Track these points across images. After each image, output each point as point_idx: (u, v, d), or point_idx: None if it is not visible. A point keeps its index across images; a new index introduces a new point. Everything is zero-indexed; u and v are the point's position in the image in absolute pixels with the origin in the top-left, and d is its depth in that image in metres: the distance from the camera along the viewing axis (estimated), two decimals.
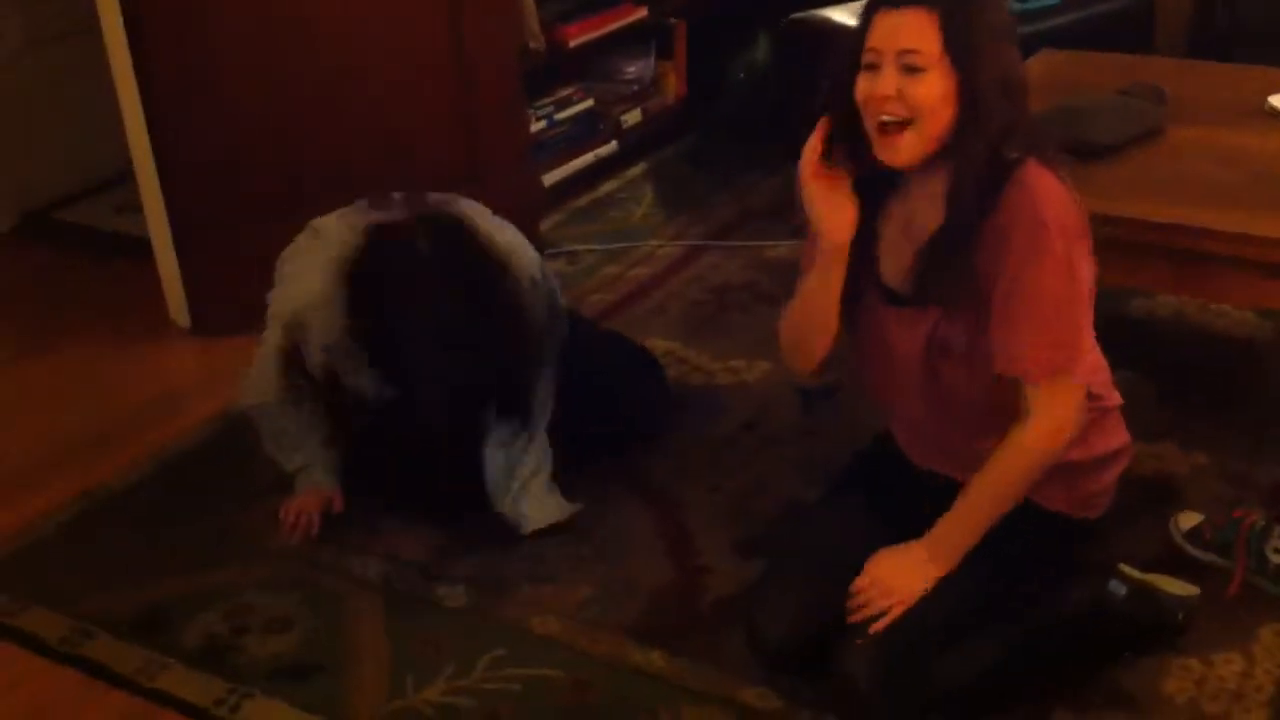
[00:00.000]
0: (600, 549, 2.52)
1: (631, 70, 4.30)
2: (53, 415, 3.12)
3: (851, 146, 1.91)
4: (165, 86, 3.18)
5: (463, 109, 3.45)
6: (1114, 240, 2.44)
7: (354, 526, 2.62)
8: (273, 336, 2.56)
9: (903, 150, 1.87)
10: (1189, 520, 2.32)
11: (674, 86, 4.42)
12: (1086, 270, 1.91)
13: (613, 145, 4.17)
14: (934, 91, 1.83)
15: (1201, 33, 4.32)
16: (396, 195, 2.55)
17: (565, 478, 2.60)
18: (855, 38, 1.89)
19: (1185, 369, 2.84)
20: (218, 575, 2.52)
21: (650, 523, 2.58)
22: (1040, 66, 3.12)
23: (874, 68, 1.85)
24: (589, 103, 4.12)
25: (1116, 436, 2.10)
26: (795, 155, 3.92)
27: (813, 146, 1.93)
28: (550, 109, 4.00)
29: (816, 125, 1.95)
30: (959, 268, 1.89)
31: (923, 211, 1.94)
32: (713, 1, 4.42)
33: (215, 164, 3.23)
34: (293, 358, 2.55)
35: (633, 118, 4.26)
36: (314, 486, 2.62)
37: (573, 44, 3.98)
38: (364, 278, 2.40)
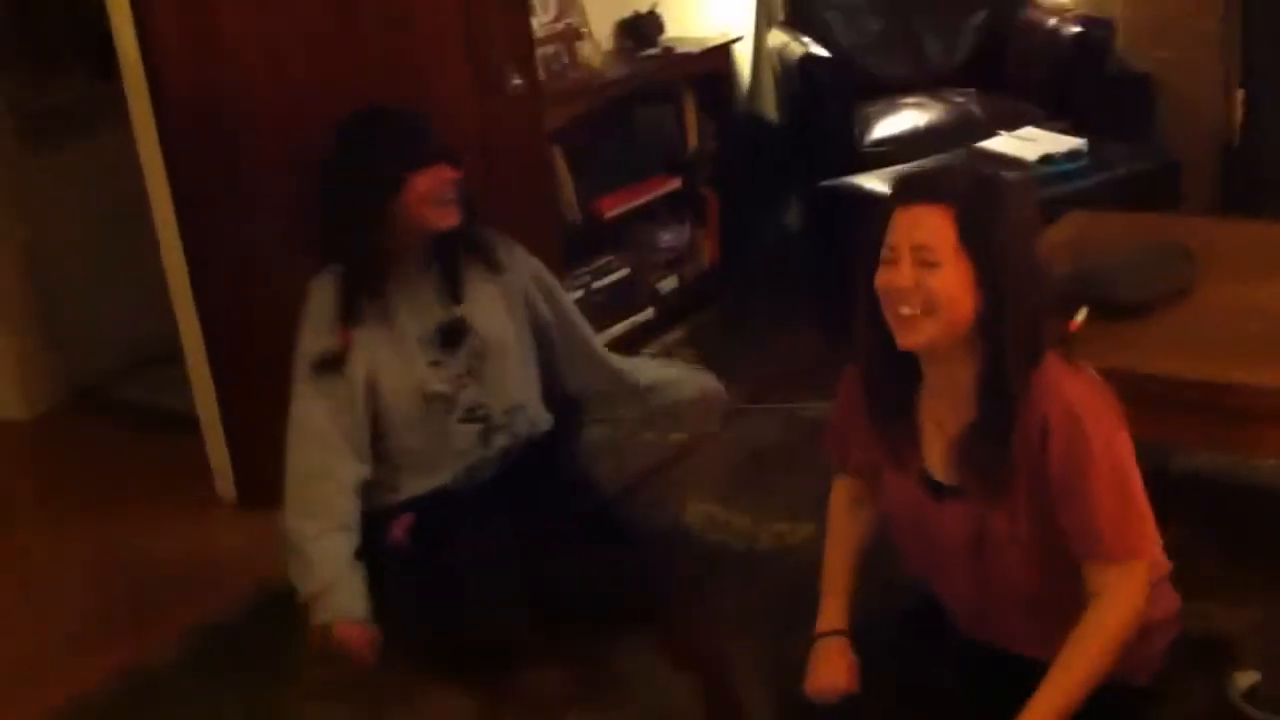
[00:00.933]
0: (648, 714, 2.50)
1: (666, 238, 4.39)
2: (95, 588, 3.15)
3: (876, 335, 1.94)
4: (213, 266, 3.28)
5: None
6: (1148, 397, 2.47)
7: (393, 697, 2.62)
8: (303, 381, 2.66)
9: (921, 334, 1.88)
10: (1247, 679, 2.28)
11: (709, 253, 4.51)
12: (1129, 450, 1.92)
13: (650, 312, 4.25)
14: (949, 285, 1.84)
15: (1227, 192, 4.40)
16: None
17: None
18: (875, 232, 1.92)
19: (1230, 524, 2.83)
20: None
21: (693, 692, 2.56)
22: (1068, 227, 3.18)
23: (892, 262, 1.88)
24: (625, 271, 4.21)
25: (1169, 602, 2.08)
26: (826, 319, 4.00)
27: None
28: (587, 278, 4.08)
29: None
30: (997, 462, 1.90)
31: (952, 404, 1.95)
32: (745, 171, 4.53)
33: (261, 342, 3.30)
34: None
35: (669, 284, 4.34)
36: (345, 618, 2.54)
37: (609, 215, 4.08)
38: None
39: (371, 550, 2.63)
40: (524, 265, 2.85)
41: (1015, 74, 4.58)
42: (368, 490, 2.67)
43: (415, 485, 2.72)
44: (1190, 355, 2.51)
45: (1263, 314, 2.64)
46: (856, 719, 2.11)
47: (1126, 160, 3.94)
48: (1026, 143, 3.97)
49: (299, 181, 2.75)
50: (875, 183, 3.89)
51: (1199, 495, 2.97)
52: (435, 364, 2.69)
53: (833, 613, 2.14)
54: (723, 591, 2.85)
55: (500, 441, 2.75)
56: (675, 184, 4.31)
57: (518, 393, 2.78)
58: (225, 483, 3.49)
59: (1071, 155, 3.85)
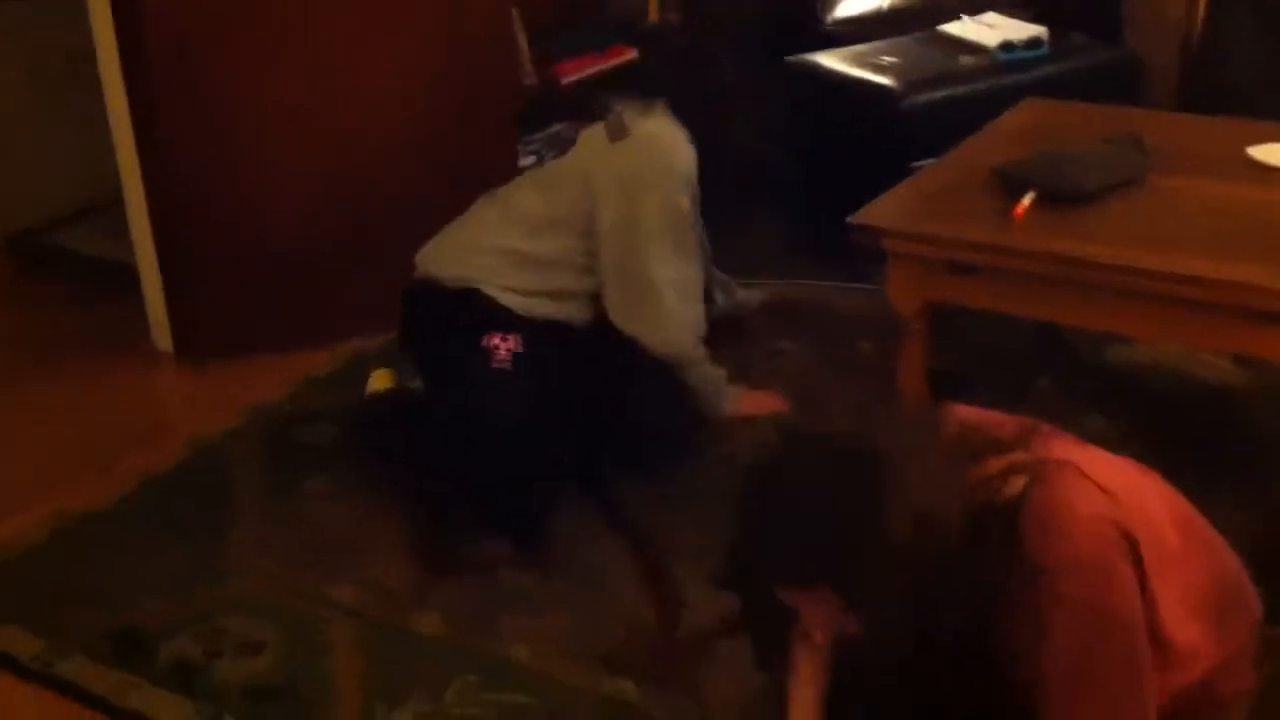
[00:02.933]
0: (578, 580, 2.52)
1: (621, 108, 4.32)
2: (35, 439, 3.12)
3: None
4: (158, 117, 3.21)
5: (459, 139, 3.47)
6: (1098, 285, 2.48)
7: (332, 551, 2.63)
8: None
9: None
10: None
11: None
12: (1128, 651, 1.53)
13: None
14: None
15: (1190, 87, 4.38)
16: None
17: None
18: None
19: (1161, 415, 2.86)
20: (193, 599, 2.51)
21: (628, 556, 2.58)
22: (1024, 115, 3.16)
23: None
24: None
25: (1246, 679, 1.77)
26: (788, 198, 3.96)
27: None
28: (540, 145, 4.01)
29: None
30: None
31: None
32: (703, 44, 4.45)
33: (204, 194, 3.26)
34: None
35: None
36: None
37: (565, 81, 4.01)
38: None
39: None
40: None
41: None
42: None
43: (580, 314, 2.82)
44: (1136, 244, 2.50)
45: (1212, 207, 2.64)
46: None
47: (1088, 52, 3.90)
48: (986, 28, 3.92)
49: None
50: (837, 61, 3.84)
51: (1135, 386, 3.01)
52: None
53: None
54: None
55: None
56: (633, 55, 4.23)
57: None
58: (162, 334, 3.44)
59: (1031, 43, 3.80)
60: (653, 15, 4.39)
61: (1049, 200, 2.63)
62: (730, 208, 4.12)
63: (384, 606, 2.48)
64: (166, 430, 3.11)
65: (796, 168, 3.86)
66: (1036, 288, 2.54)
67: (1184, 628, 1.61)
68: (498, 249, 2.77)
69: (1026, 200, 2.62)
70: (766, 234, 3.95)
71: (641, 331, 2.77)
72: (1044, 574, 1.50)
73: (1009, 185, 2.68)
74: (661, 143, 2.82)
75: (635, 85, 2.95)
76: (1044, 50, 3.82)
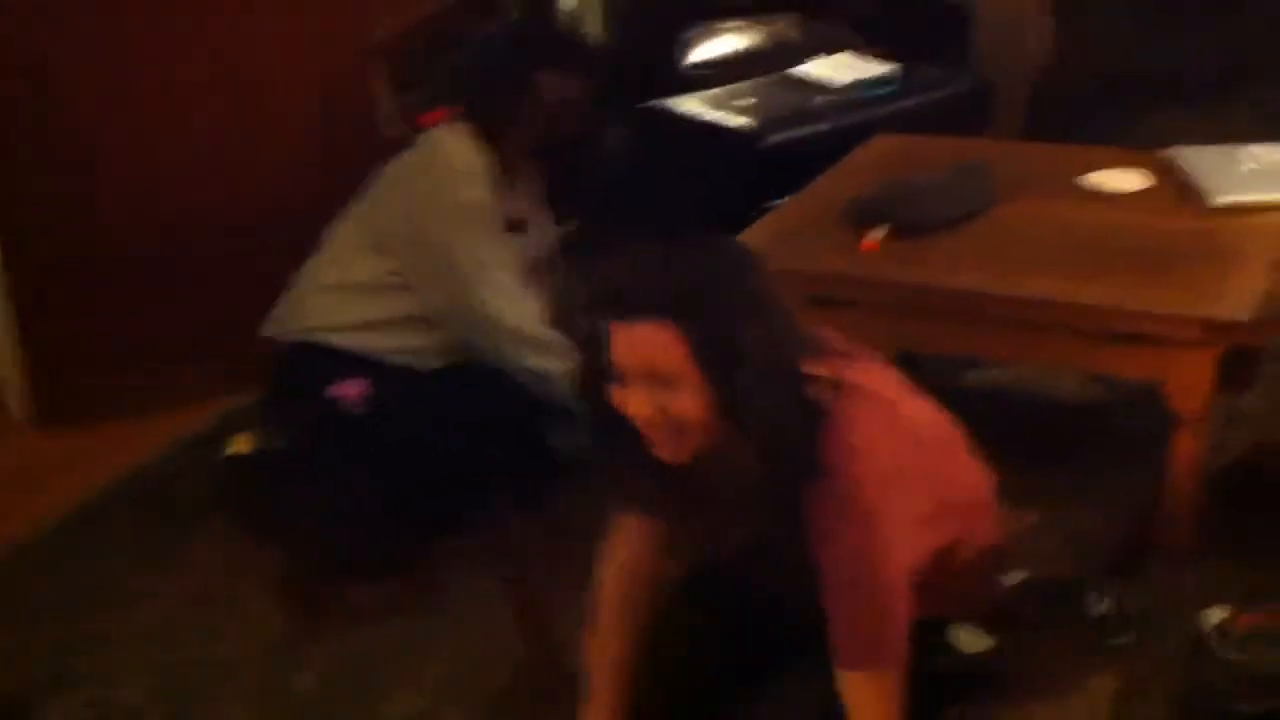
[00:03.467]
0: (460, 625, 2.54)
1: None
2: None
3: (625, 437, 1.69)
4: (14, 170, 3.17)
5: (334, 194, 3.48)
6: (949, 311, 2.57)
7: (213, 609, 2.62)
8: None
9: (680, 453, 1.67)
10: (1015, 577, 2.39)
11: None
12: (882, 532, 1.69)
13: None
14: (693, 408, 1.62)
15: (1035, 116, 4.55)
16: None
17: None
18: (596, 341, 1.65)
19: (1018, 432, 2.95)
20: (73, 665, 2.48)
21: (511, 599, 2.59)
22: (874, 151, 3.26)
23: (624, 383, 1.64)
24: None
25: (989, 536, 2.04)
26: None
27: None
28: None
29: None
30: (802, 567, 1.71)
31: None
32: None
33: (64, 254, 3.22)
34: None
35: None
36: None
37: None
38: None
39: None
40: None
41: (838, 2, 4.64)
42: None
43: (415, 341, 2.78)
44: (986, 270, 2.60)
45: (1054, 232, 2.75)
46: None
47: (938, 85, 4.03)
48: (839, 67, 4.03)
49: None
50: (694, 105, 3.92)
51: (993, 407, 3.10)
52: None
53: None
54: (546, 498, 2.87)
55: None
56: None
57: None
58: (18, 399, 3.38)
59: (882, 80, 3.92)
60: None
61: (900, 231, 2.72)
62: (594, 253, 4.19)
63: (264, 663, 2.47)
64: (31, 498, 3.05)
65: (658, 209, 3.93)
66: (891, 317, 2.63)
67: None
68: (320, 287, 2.80)
69: (879, 232, 2.70)
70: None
71: (478, 327, 2.74)
72: (828, 477, 1.65)
73: (861, 218, 2.76)
74: (444, 148, 2.82)
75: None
76: (895, 86, 3.93)
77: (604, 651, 1.95)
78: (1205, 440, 2.53)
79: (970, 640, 2.11)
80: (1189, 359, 2.42)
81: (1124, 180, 2.92)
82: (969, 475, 2.00)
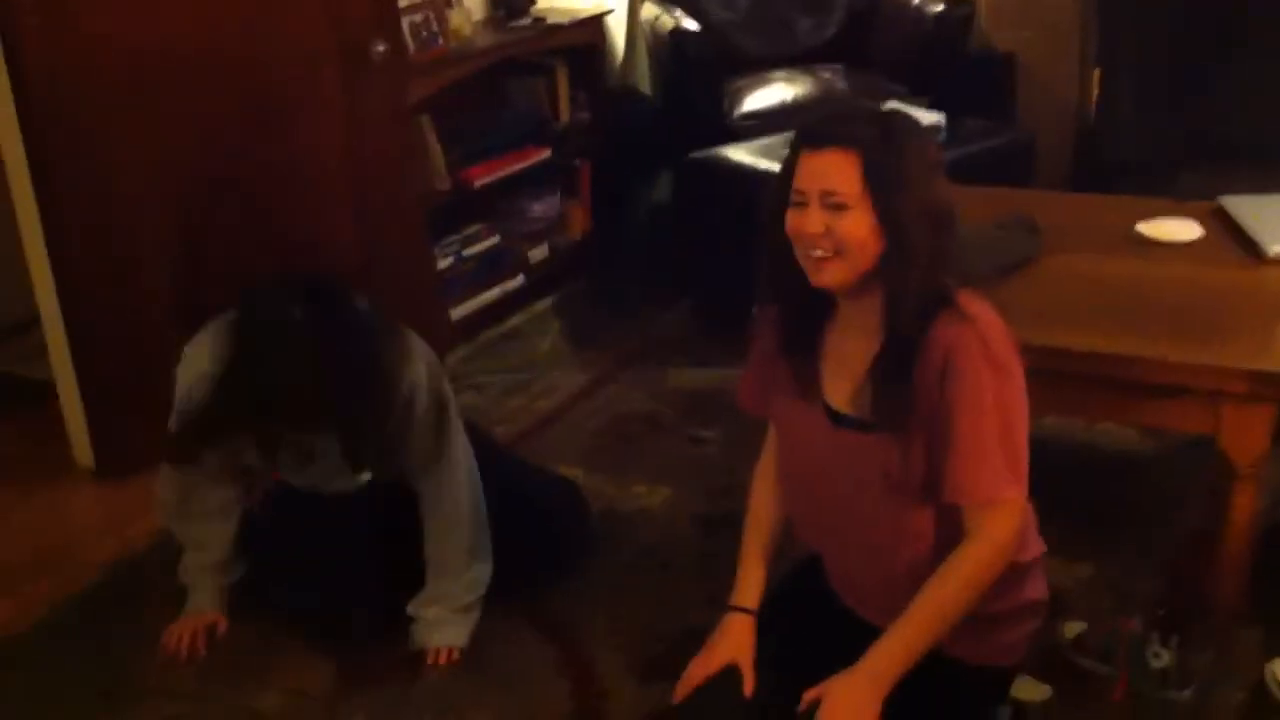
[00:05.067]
0: (500, 680, 2.53)
1: (537, 209, 4.41)
2: None
3: (788, 274, 1.95)
4: (71, 234, 3.22)
5: (370, 245, 3.52)
6: None
7: (250, 655, 2.63)
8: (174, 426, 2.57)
9: (832, 274, 1.90)
10: (1073, 629, 2.39)
11: (579, 223, 4.54)
12: (1020, 396, 1.92)
13: (520, 280, 4.26)
14: (858, 229, 1.86)
15: (1082, 167, 4.54)
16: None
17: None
18: (784, 175, 1.93)
19: (1069, 485, 2.93)
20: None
21: (549, 652, 2.60)
22: None
23: (801, 205, 1.89)
24: (495, 239, 4.22)
25: (1040, 587, 2.10)
26: (693, 291, 4.04)
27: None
28: (457, 246, 4.09)
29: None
30: (898, 395, 1.90)
31: (856, 338, 1.96)
32: (614, 142, 4.56)
33: (120, 305, 3.27)
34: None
35: (539, 254, 4.37)
36: (197, 611, 2.68)
37: (479, 184, 4.08)
38: (238, 339, 2.43)
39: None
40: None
41: (881, 51, 4.67)
42: None
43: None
44: (1032, 323, 2.57)
45: (1102, 284, 2.73)
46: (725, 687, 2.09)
47: (983, 136, 4.03)
48: None
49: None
50: (743, 154, 3.94)
51: (1041, 459, 3.07)
52: None
53: (746, 589, 2.12)
54: (583, 554, 2.88)
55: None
56: (546, 154, 4.32)
57: None
58: (83, 450, 3.43)
59: (929, 131, 3.92)
60: (563, 115, 4.49)
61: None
62: (642, 300, 4.22)
63: (304, 715, 2.47)
64: (86, 547, 3.09)
65: (705, 259, 3.95)
66: None
67: None
68: None
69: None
70: (677, 325, 4.03)
71: None
72: (970, 318, 1.88)
73: None
74: None
75: None
76: (941, 137, 3.94)
77: (753, 532, 2.16)
78: (1261, 492, 2.50)
79: (1029, 689, 2.10)
80: (1244, 413, 2.39)
81: (1176, 230, 2.90)
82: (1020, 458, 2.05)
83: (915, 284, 1.88)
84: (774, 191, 1.95)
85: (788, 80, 4.43)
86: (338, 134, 3.41)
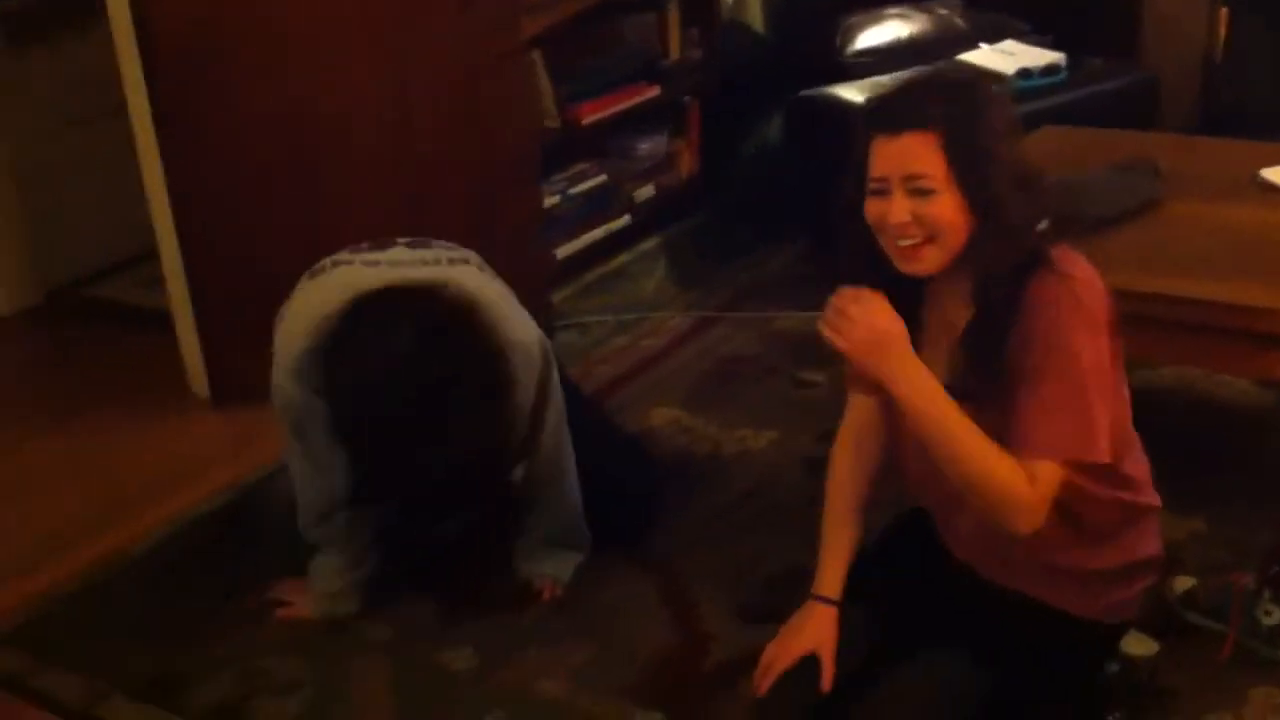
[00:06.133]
0: (603, 614, 2.56)
1: (645, 147, 4.39)
2: (75, 485, 3.19)
3: (873, 259, 1.88)
4: (188, 166, 3.29)
5: (477, 183, 3.54)
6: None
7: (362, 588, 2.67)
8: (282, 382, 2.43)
9: (927, 262, 1.84)
10: (1183, 584, 2.35)
11: (687, 163, 4.51)
12: (1106, 357, 1.85)
13: (625, 219, 4.26)
14: (949, 211, 1.80)
15: (1208, 107, 4.40)
16: (401, 241, 2.51)
17: None
18: (859, 162, 1.85)
19: (1185, 437, 2.87)
20: (230, 639, 2.57)
21: (652, 588, 2.62)
22: (1039, 143, 3.18)
23: (883, 193, 1.82)
24: (602, 178, 4.20)
25: (1153, 543, 2.07)
26: (804, 231, 4.01)
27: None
28: (564, 184, 4.09)
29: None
30: (994, 362, 1.84)
31: (953, 309, 1.91)
32: (724, 80, 4.52)
33: (236, 238, 3.33)
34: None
35: (646, 193, 4.35)
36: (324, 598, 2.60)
37: (587, 121, 4.07)
38: (335, 348, 2.26)
39: None
40: None
41: None
42: None
43: None
44: (1152, 270, 2.54)
45: (1225, 230, 2.67)
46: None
47: (1106, 76, 3.94)
48: (1005, 56, 3.96)
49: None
50: (856, 93, 3.88)
51: (1157, 409, 3.01)
52: None
53: (829, 578, 2.07)
54: (686, 493, 2.89)
55: None
56: (655, 92, 4.30)
57: None
58: (199, 381, 3.52)
59: (1049, 70, 3.84)
60: (674, 52, 4.46)
61: (1064, 228, 2.66)
62: (750, 241, 4.20)
63: (413, 644, 2.53)
64: (203, 474, 3.17)
65: (814, 200, 3.90)
66: None
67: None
68: None
69: (1041, 228, 2.64)
70: (787, 266, 4.00)
71: None
72: (1065, 278, 1.83)
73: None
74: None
75: None
76: (1062, 76, 3.86)
77: (835, 502, 2.13)
78: None
79: (1137, 645, 2.08)
80: None
81: None
82: (1137, 444, 2.04)
83: (1010, 255, 1.83)
84: (848, 180, 1.87)
85: (903, 17, 4.34)
86: (453, 74, 3.42)
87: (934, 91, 1.85)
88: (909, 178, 1.80)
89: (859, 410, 2.13)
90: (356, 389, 2.21)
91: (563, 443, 2.57)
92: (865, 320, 1.80)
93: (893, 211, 1.81)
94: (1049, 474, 1.82)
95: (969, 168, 1.79)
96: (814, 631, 2.03)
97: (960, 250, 1.83)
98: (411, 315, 2.23)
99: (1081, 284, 1.84)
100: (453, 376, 2.20)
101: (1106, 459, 1.85)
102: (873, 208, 1.84)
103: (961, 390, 1.87)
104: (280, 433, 2.52)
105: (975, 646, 1.97)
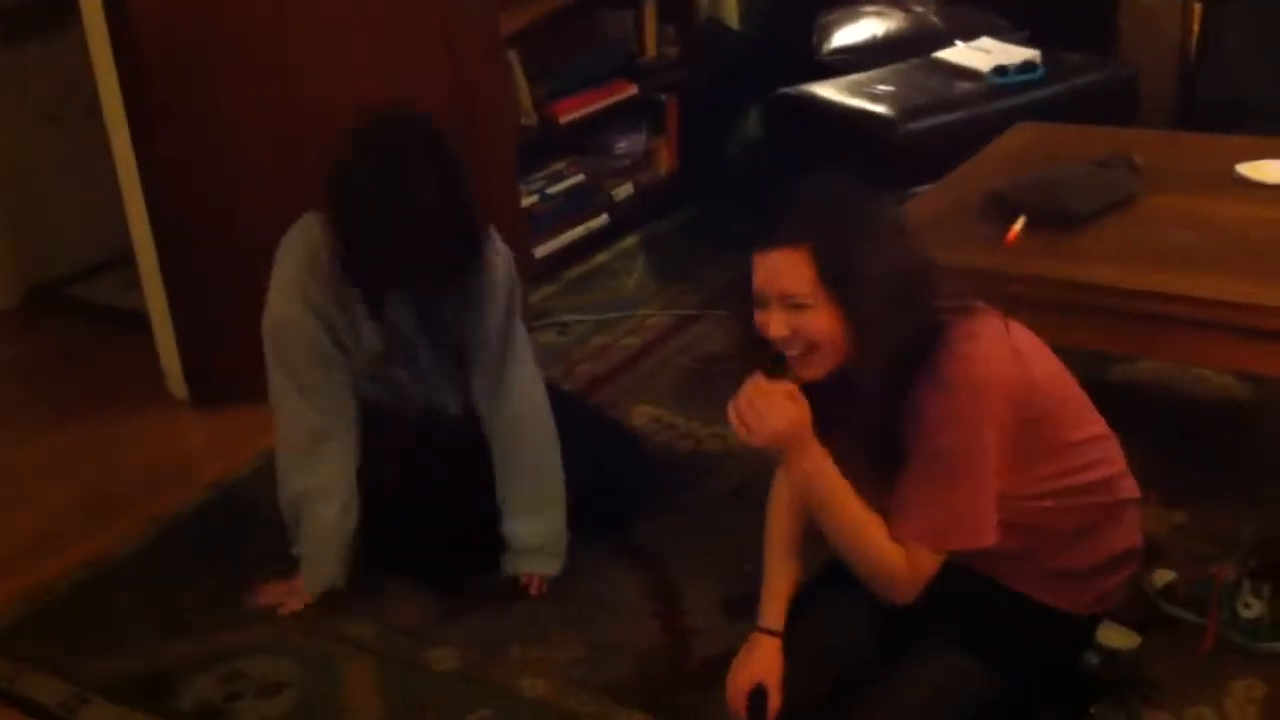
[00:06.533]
0: (589, 611, 2.56)
1: (623, 145, 4.39)
2: (56, 487, 3.18)
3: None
4: (164, 167, 3.27)
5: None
6: (1091, 306, 2.52)
7: (348, 589, 2.67)
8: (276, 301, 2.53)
9: (813, 369, 1.85)
10: (1163, 577, 2.36)
11: (666, 160, 4.51)
12: (993, 441, 1.85)
13: (604, 218, 4.25)
14: (823, 325, 1.81)
15: (1185, 104, 4.42)
16: None
17: None
18: (743, 276, 1.88)
19: (1165, 431, 2.89)
20: (214, 640, 2.56)
21: (638, 584, 2.63)
22: (1016, 139, 3.21)
23: (763, 306, 1.85)
24: (581, 177, 4.20)
25: (1133, 534, 2.10)
26: None
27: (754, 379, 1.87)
28: (542, 183, 4.08)
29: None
30: (884, 450, 1.88)
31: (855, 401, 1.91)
32: (703, 78, 4.52)
33: (212, 240, 3.32)
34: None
35: (624, 191, 4.35)
36: (318, 587, 2.64)
37: (564, 120, 4.07)
38: (349, 158, 2.46)
39: None
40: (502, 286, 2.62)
41: None
42: None
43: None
44: (1128, 265, 2.55)
45: (1204, 225, 2.68)
46: (816, 625, 2.10)
47: (1083, 72, 3.95)
48: (981, 53, 3.97)
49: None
50: (834, 91, 3.89)
51: (1137, 403, 3.04)
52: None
53: (772, 611, 2.10)
54: (669, 490, 2.90)
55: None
56: (633, 90, 4.30)
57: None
58: (176, 382, 3.50)
59: (1025, 66, 3.85)
60: (650, 50, 4.46)
61: (1041, 223, 2.68)
62: (732, 240, 4.19)
63: (399, 643, 2.52)
64: (183, 475, 3.17)
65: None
66: (1030, 310, 2.57)
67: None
68: None
69: (1018, 225, 2.66)
70: None
71: None
72: (942, 384, 1.83)
73: (1001, 210, 2.72)
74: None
75: None
76: (1038, 73, 3.86)
77: (774, 549, 2.15)
78: None
79: (1118, 638, 2.09)
80: None
81: (1277, 172, 2.83)
82: (1099, 447, 2.04)
83: (881, 365, 1.84)
84: (738, 293, 1.90)
85: (880, 14, 4.35)
86: (434, 75, 3.41)
87: (808, 207, 1.86)
88: (783, 295, 1.82)
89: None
90: (376, 195, 2.40)
91: (536, 389, 2.63)
92: (770, 414, 1.82)
93: (771, 325, 1.84)
94: (927, 560, 1.88)
95: (839, 286, 1.80)
96: (760, 663, 2.05)
97: (845, 355, 1.85)
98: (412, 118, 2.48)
99: (977, 364, 1.83)
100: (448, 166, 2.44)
101: (986, 543, 1.88)
102: (757, 318, 1.87)
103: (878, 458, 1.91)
104: (269, 371, 2.57)
105: (964, 636, 1.98)
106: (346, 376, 2.59)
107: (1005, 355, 1.88)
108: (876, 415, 1.87)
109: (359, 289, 2.51)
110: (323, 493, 2.60)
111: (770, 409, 1.82)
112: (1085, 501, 2.00)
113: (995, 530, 1.89)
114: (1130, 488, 2.09)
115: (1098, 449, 2.04)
